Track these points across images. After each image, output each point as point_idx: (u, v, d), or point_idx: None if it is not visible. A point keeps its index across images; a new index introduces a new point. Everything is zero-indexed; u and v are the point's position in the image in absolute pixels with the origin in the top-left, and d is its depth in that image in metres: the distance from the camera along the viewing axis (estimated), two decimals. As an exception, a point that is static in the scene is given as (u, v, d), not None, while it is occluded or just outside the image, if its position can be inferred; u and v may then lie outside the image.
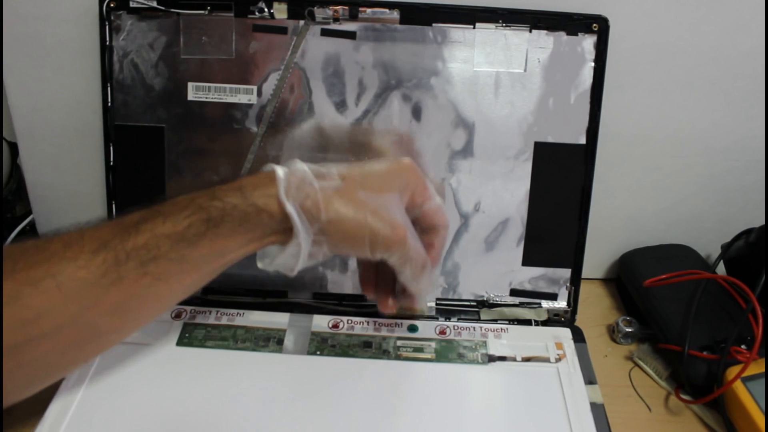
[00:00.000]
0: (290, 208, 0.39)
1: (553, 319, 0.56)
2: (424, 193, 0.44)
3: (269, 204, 0.40)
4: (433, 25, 0.52)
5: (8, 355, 0.36)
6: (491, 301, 0.57)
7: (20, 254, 0.37)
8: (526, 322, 0.56)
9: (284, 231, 0.41)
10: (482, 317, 0.56)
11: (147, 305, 0.41)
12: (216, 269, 0.41)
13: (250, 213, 0.39)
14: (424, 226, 0.46)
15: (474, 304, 0.57)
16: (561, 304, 0.57)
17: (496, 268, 0.56)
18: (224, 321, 0.53)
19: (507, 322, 0.55)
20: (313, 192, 0.40)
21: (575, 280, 0.57)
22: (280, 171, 0.40)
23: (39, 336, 0.37)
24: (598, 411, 0.47)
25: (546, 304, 0.57)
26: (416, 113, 0.54)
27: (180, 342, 0.50)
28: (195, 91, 0.53)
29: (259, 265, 0.43)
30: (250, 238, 0.40)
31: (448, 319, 0.55)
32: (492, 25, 0.52)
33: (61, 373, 0.43)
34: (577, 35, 0.53)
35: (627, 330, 0.56)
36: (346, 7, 0.52)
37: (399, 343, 0.52)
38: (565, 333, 0.53)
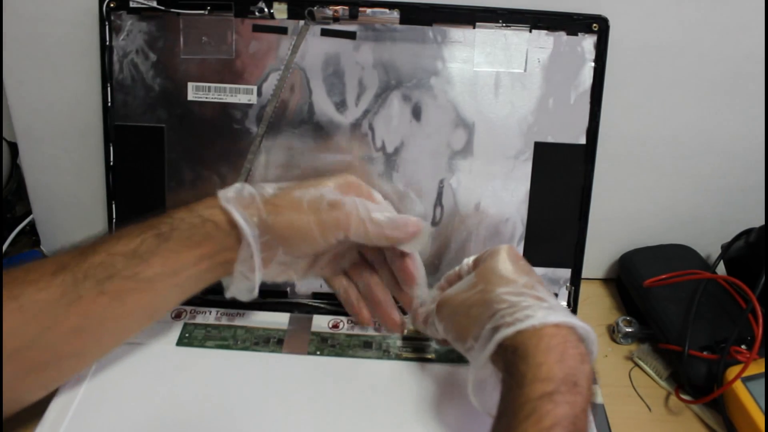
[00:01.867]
0: (231, 208, 0.42)
1: (553, 319, 0.56)
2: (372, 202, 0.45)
3: (214, 214, 0.42)
4: (433, 25, 0.52)
5: None
6: (491, 301, 0.57)
7: None
8: (526, 322, 0.55)
9: (234, 247, 0.43)
10: (482, 317, 0.56)
11: (106, 327, 0.42)
12: (171, 290, 0.43)
13: (197, 224, 0.42)
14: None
15: (474, 304, 0.57)
16: (561, 304, 0.57)
17: (496, 268, 0.56)
18: (224, 321, 0.53)
19: (507, 322, 0.55)
20: (251, 198, 0.43)
21: (575, 280, 0.57)
22: (219, 190, 0.44)
23: None
24: (598, 411, 0.47)
25: (546, 304, 0.57)
26: (416, 113, 0.54)
27: (180, 342, 0.50)
28: (195, 91, 0.53)
29: (227, 294, 0.45)
30: (200, 254, 0.42)
31: (448, 319, 0.55)
32: (492, 25, 0.52)
33: (21, 401, 0.41)
34: (577, 35, 0.53)
35: (627, 330, 0.56)
36: (346, 7, 0.52)
37: (399, 343, 0.52)
38: (565, 333, 0.53)
